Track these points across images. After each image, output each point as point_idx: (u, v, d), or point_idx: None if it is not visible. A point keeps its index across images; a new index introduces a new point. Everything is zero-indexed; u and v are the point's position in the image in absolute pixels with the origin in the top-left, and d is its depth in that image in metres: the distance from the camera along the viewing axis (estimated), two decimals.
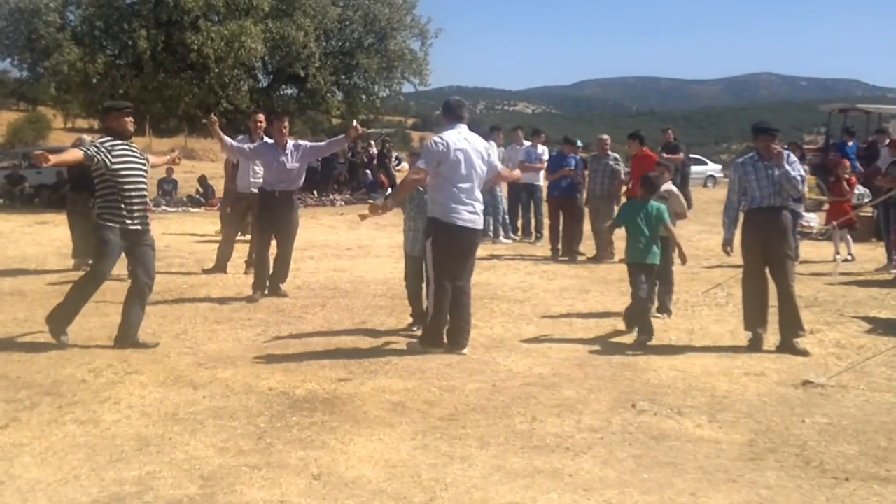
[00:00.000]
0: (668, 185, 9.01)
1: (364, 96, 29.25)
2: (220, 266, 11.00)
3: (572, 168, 13.31)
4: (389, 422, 5.19)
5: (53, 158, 6.83)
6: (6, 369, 6.21)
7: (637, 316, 7.68)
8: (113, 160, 6.82)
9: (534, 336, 7.68)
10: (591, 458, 4.65)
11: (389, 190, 23.67)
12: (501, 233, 15.01)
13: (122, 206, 6.89)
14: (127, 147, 7.01)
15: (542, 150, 15.43)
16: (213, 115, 10.41)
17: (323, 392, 5.80)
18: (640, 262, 7.75)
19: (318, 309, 8.80)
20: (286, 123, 9.53)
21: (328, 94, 28.19)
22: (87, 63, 23.48)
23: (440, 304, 6.92)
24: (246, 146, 9.88)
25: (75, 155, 6.99)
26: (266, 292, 9.32)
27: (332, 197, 24.28)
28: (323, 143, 10.15)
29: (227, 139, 9.62)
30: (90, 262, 11.05)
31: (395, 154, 30.96)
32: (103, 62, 23.99)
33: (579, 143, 14.32)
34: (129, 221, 6.93)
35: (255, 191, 10.59)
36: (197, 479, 4.26)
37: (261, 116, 10.78)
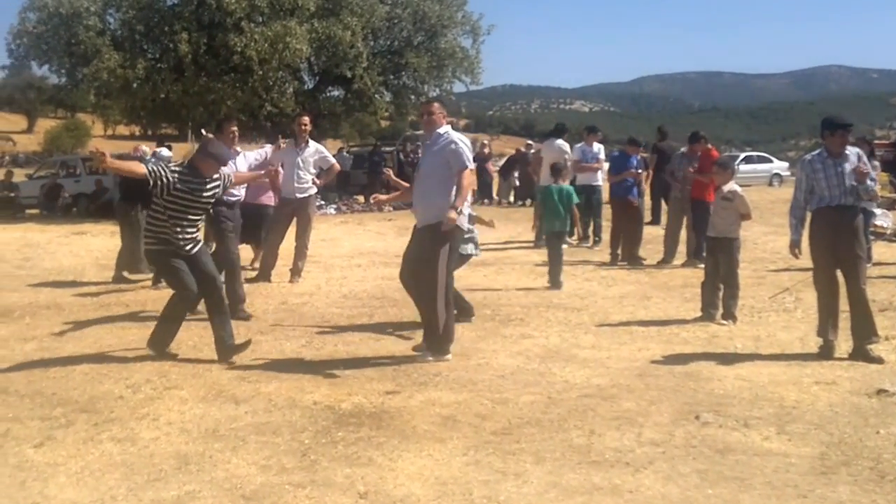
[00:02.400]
0: (733, 186, 8.92)
1: (413, 96, 29.29)
2: (264, 275, 11.07)
3: (636, 169, 13.18)
4: (439, 436, 5.17)
5: (115, 163, 6.98)
6: (41, 385, 6.31)
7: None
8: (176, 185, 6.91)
9: (592, 345, 7.60)
10: (652, 473, 4.58)
11: None
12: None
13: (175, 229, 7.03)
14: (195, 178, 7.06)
15: (598, 149, 15.29)
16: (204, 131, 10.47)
17: (370, 406, 5.80)
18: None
19: (366, 319, 8.82)
20: (234, 127, 9.35)
21: (376, 95, 28.31)
22: (128, 68, 23.83)
23: (451, 309, 7.14)
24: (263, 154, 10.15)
25: (137, 168, 7.16)
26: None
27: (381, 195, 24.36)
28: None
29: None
30: (125, 272, 11.26)
31: None
32: (144, 66, 24.33)
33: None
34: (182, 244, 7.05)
35: (299, 196, 10.75)
36: (238, 499, 4.27)
37: (306, 119, 10.90)
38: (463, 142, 7.05)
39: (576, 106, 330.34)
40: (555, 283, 10.70)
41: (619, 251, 12.97)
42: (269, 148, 10.58)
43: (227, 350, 7.02)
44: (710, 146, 12.89)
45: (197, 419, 5.53)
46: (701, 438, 5.13)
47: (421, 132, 23.71)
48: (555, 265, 10.77)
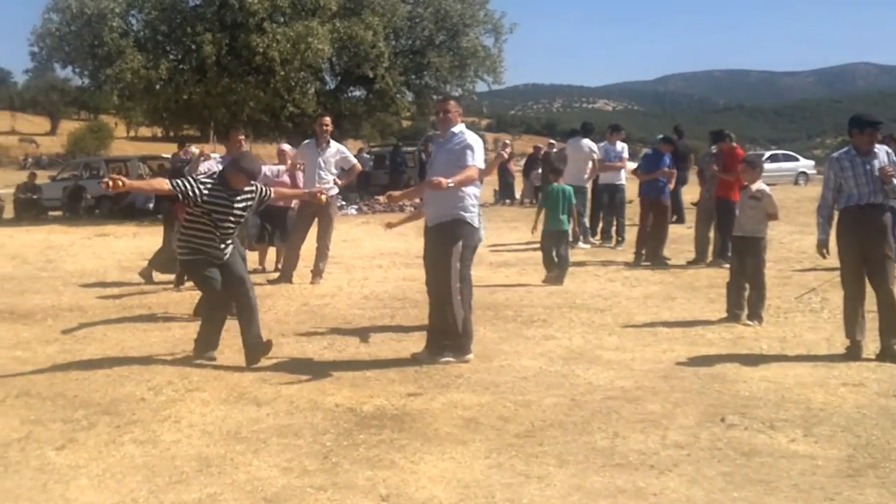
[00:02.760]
0: (761, 185, 8.86)
1: (435, 96, 29.27)
2: (286, 276, 11.10)
3: (668, 168, 13.08)
4: (462, 439, 5.15)
5: (133, 185, 7.03)
6: (64, 388, 6.33)
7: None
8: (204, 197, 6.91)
9: (615, 347, 7.57)
10: (677, 476, 4.55)
11: None
12: (580, 237, 14.81)
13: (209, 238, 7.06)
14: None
15: (622, 148, 15.23)
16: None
17: (392, 408, 5.79)
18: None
19: (388, 320, 8.82)
20: (241, 136, 9.46)
21: (398, 95, 28.35)
22: (150, 69, 23.95)
23: (468, 307, 7.09)
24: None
25: (160, 185, 7.20)
26: None
27: (409, 204, 24.37)
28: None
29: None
30: (155, 270, 11.28)
31: None
32: (166, 67, 24.45)
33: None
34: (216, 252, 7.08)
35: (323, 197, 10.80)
36: (260, 502, 4.27)
37: (327, 119, 10.92)
38: (477, 142, 7.03)
39: (599, 105, 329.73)
40: (556, 279, 11.03)
41: (644, 251, 12.88)
42: (287, 147, 10.62)
43: (254, 352, 7.00)
44: (734, 144, 12.78)
45: (219, 421, 5.54)
46: (726, 441, 5.09)
47: None
48: (560, 264, 11.10)
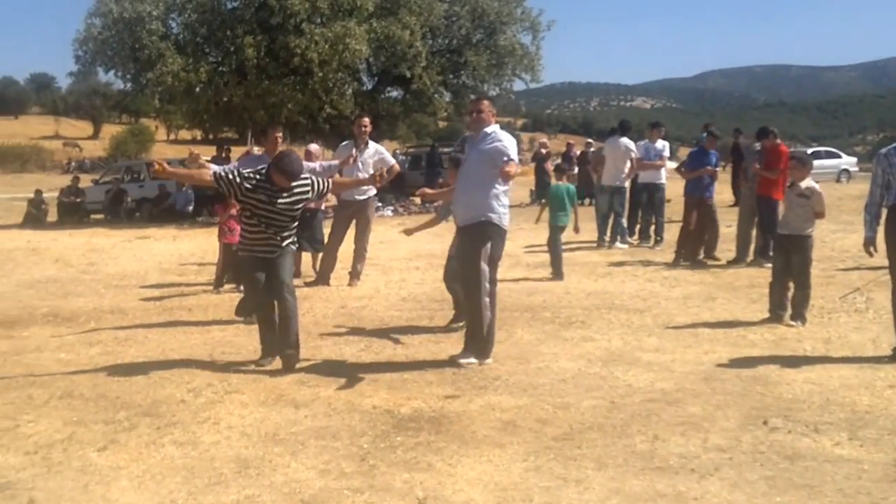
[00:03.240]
0: (810, 183, 8.71)
1: (472, 95, 29.14)
2: (323, 278, 11.12)
3: (714, 166, 12.94)
4: (499, 442, 5.14)
5: (175, 172, 7.14)
6: (106, 389, 6.42)
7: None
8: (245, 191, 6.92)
9: (655, 348, 7.51)
10: (718, 480, 4.51)
11: None
12: (618, 237, 14.71)
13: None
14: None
15: (663, 146, 15.09)
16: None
17: (429, 410, 5.80)
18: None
19: (426, 322, 8.83)
20: (278, 133, 9.50)
21: (435, 95, 28.30)
22: (190, 72, 24.13)
23: (494, 310, 7.07)
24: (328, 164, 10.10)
25: (201, 175, 7.24)
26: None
27: (436, 203, 24.38)
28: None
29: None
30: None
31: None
32: (206, 70, 24.62)
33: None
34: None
35: (359, 198, 10.80)
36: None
37: (366, 120, 10.90)
38: (510, 141, 6.99)
39: (637, 103, 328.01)
40: (557, 274, 11.45)
41: (685, 250, 12.74)
42: (315, 147, 10.64)
43: (288, 361, 6.97)
44: (778, 141, 12.60)
45: (257, 423, 5.58)
46: (769, 444, 5.04)
47: None
48: (556, 257, 11.66)
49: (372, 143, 11.08)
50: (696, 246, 12.71)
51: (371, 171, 10.84)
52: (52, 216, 26.37)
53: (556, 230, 11.67)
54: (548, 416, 5.61)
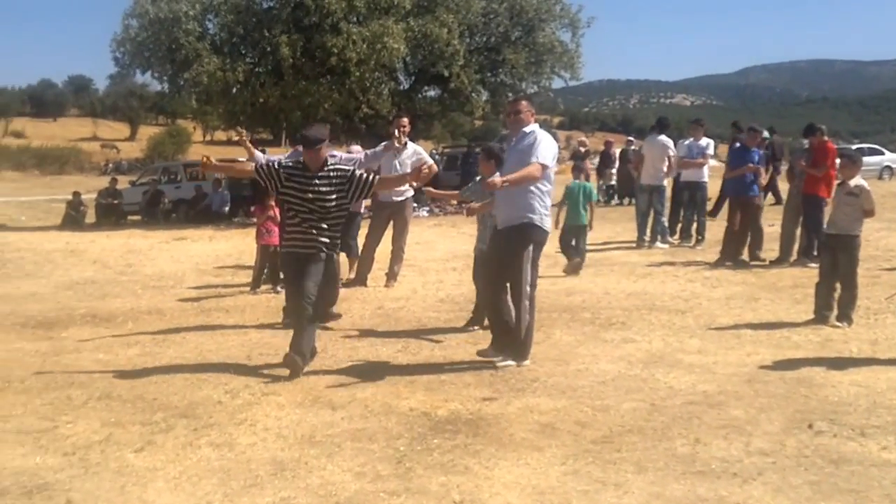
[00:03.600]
0: (859, 181, 8.61)
1: (511, 94, 28.94)
2: (360, 279, 11.14)
3: (756, 163, 12.77)
4: (537, 445, 5.13)
5: (219, 166, 7.32)
6: (143, 390, 6.48)
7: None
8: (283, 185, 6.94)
9: (697, 350, 7.45)
10: (761, 485, 4.47)
11: None
12: (658, 237, 14.61)
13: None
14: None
15: (707, 144, 14.94)
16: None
17: (466, 412, 5.80)
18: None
19: (463, 323, 8.79)
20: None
21: (473, 94, 28.20)
22: (227, 72, 24.26)
23: (533, 312, 7.10)
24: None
25: (243, 168, 7.34)
26: None
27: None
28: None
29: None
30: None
31: None
32: (243, 70, 24.75)
33: (766, 135, 13.60)
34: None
35: (397, 199, 10.81)
36: None
37: (405, 120, 10.82)
38: (546, 140, 6.98)
39: (677, 100, 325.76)
40: (574, 269, 11.76)
41: (730, 251, 12.60)
42: (357, 148, 10.66)
43: (292, 363, 6.82)
44: (825, 139, 12.44)
45: (293, 425, 5.61)
46: (814, 448, 4.99)
47: None
48: (578, 255, 11.93)
49: (410, 144, 11.07)
50: (738, 246, 12.58)
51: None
52: (91, 218, 26.67)
53: (572, 229, 11.86)
54: (587, 419, 5.59)
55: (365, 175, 7.08)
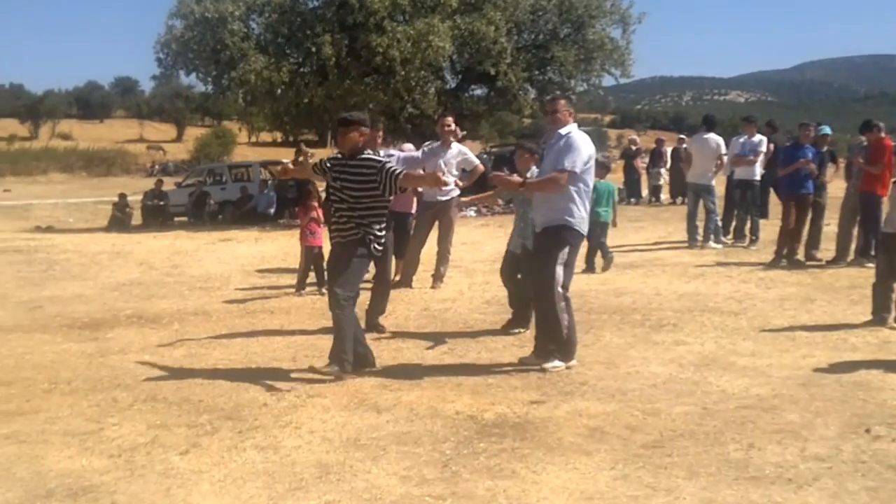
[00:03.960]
0: None
1: (559, 92, 28.81)
2: (406, 281, 11.15)
3: (808, 159, 12.55)
4: (586, 449, 5.11)
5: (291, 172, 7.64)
6: (189, 392, 6.55)
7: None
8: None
9: (751, 352, 7.37)
10: (816, 490, 4.41)
11: None
12: (711, 237, 14.47)
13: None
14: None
15: (759, 140, 14.77)
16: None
17: (513, 416, 5.78)
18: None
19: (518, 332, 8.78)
20: (380, 131, 9.03)
21: (520, 92, 28.09)
22: (273, 72, 24.41)
23: (571, 311, 7.11)
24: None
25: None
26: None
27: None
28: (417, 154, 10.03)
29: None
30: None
31: None
32: (288, 70, 24.88)
33: (828, 131, 13.34)
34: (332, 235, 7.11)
35: (442, 199, 10.79)
36: None
37: (449, 120, 10.74)
38: (580, 144, 6.94)
39: (731, 96, 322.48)
40: (608, 265, 12.21)
41: (786, 251, 12.45)
42: (409, 146, 10.68)
43: (328, 372, 6.83)
44: (883, 135, 12.24)
45: (339, 428, 5.63)
46: (871, 453, 4.92)
47: None
48: (594, 252, 12.29)
49: (455, 144, 11.03)
50: (794, 245, 12.43)
51: (454, 172, 10.85)
52: (137, 219, 27.04)
53: (594, 226, 11.75)
54: (637, 423, 5.55)
55: (393, 168, 6.92)
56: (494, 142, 52.98)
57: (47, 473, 4.93)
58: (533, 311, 7.77)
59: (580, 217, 6.95)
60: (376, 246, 6.94)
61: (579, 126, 7.15)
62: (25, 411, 6.20)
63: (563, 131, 7.01)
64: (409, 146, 11.76)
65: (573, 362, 7.01)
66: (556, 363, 6.96)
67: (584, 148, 6.93)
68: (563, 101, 7.21)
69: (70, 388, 6.80)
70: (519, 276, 8.36)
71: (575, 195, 6.90)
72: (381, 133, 9.17)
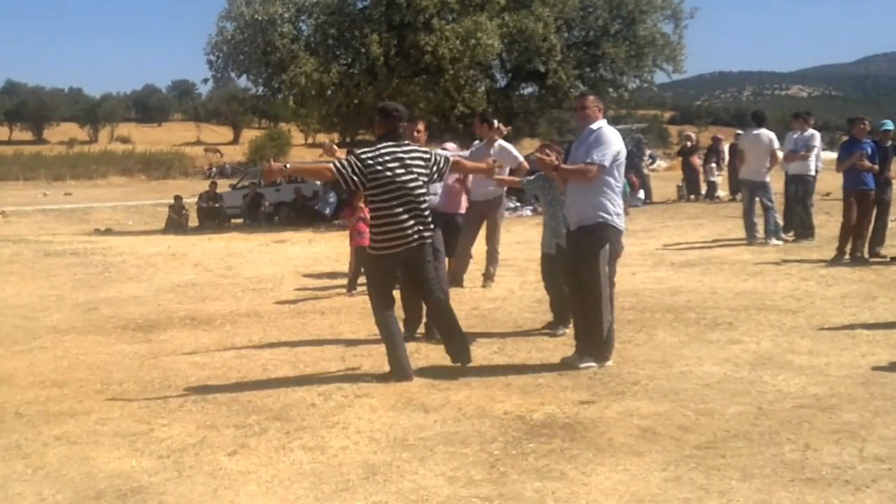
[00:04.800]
0: None
1: (611, 89, 28.67)
2: (456, 280, 11.12)
3: (865, 152, 12.29)
4: (637, 450, 5.03)
5: (294, 168, 7.64)
6: (238, 393, 6.59)
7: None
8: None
9: (808, 351, 7.23)
10: (875, 492, 4.29)
11: (641, 193, 23.24)
12: (772, 234, 14.27)
13: None
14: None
15: (811, 135, 14.64)
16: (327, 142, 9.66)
17: (563, 416, 5.72)
18: None
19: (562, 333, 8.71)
20: (420, 127, 8.68)
21: (571, 90, 27.98)
22: (322, 73, 24.55)
23: (613, 312, 7.09)
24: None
25: (320, 171, 7.51)
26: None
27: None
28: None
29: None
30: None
31: (648, 152, 30.23)
32: (337, 71, 25.01)
33: (890, 126, 13.10)
34: None
35: (486, 198, 10.78)
36: None
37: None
38: (608, 138, 6.90)
39: (792, 91, 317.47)
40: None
41: (848, 247, 12.25)
42: (451, 146, 10.66)
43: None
44: None
45: (386, 428, 5.61)
46: None
47: (624, 126, 23.05)
48: None
49: (500, 142, 10.97)
50: (856, 241, 12.21)
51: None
52: (193, 221, 27.38)
53: None
54: (690, 423, 5.45)
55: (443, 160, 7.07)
56: (553, 138, 52.88)
57: (97, 474, 4.97)
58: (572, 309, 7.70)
59: (615, 212, 6.91)
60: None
61: (625, 124, 7.12)
62: (77, 412, 6.26)
63: (593, 126, 6.99)
64: (451, 145, 11.72)
65: (608, 363, 6.95)
66: (590, 363, 6.92)
67: (614, 143, 6.90)
68: (592, 97, 7.24)
69: (122, 390, 6.88)
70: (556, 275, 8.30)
71: (607, 190, 6.87)
72: (419, 129, 8.95)
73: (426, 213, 6.88)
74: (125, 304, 11.22)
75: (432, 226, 7.01)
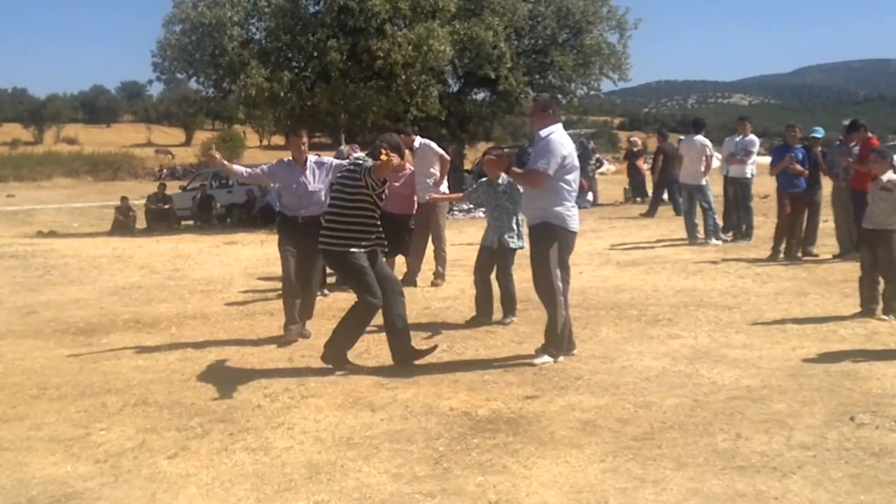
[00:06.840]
0: (892, 175, 8.72)
1: (560, 96, 28.90)
2: (409, 280, 11.14)
3: (796, 157, 12.62)
4: (578, 442, 5.08)
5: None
6: (181, 396, 6.48)
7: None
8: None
9: (743, 345, 7.37)
10: (800, 478, 4.40)
11: (590, 195, 23.42)
12: (711, 235, 14.51)
13: None
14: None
15: (750, 140, 15.02)
16: (212, 148, 9.55)
17: (508, 411, 5.76)
18: None
19: (509, 321, 8.78)
20: (304, 139, 8.76)
21: (521, 96, 28.21)
22: (273, 81, 24.35)
23: (567, 308, 7.17)
24: (260, 168, 9.40)
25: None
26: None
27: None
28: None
29: (237, 169, 9.25)
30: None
31: (595, 156, 30.53)
32: (289, 79, 24.81)
33: (820, 134, 13.51)
34: None
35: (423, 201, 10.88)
36: None
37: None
38: (554, 145, 6.94)
39: (734, 99, 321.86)
40: None
41: (782, 247, 12.54)
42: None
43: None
44: (869, 135, 12.47)
45: (332, 427, 5.58)
46: (855, 441, 4.92)
47: (573, 132, 23.34)
48: None
49: (418, 139, 11.24)
50: (790, 241, 12.50)
51: (430, 171, 11.14)
52: (141, 223, 26.99)
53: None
54: (628, 416, 5.54)
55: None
56: (506, 143, 53.09)
57: (29, 481, 4.85)
58: (501, 303, 8.39)
59: (563, 213, 6.97)
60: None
61: (575, 129, 7.24)
62: (10, 418, 6.11)
63: (542, 133, 7.06)
64: (345, 148, 11.85)
65: (561, 358, 7.02)
66: (546, 358, 6.99)
67: (559, 149, 6.94)
68: (539, 102, 7.36)
69: (58, 394, 6.70)
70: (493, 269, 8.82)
71: (553, 193, 6.94)
72: (304, 139, 8.77)
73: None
74: (66, 307, 10.88)
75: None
